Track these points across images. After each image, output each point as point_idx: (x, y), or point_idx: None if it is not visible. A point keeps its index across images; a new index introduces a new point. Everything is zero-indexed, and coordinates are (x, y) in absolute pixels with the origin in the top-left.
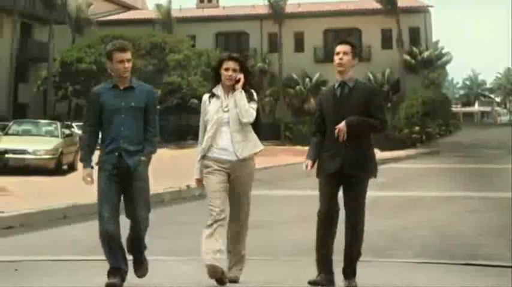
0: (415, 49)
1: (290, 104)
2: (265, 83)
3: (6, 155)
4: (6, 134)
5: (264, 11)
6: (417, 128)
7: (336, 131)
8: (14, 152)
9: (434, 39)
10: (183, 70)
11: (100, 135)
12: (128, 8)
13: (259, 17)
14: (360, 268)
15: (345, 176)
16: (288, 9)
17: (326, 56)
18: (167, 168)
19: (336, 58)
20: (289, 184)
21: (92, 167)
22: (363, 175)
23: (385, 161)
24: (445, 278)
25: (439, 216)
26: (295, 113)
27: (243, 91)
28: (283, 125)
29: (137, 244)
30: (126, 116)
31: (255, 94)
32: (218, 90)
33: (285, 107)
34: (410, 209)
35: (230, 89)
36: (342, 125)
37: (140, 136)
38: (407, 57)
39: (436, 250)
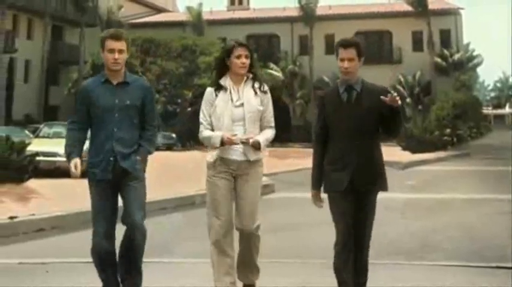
0: (446, 51)
1: None
2: (296, 85)
3: (37, 158)
4: (37, 136)
5: (295, 13)
6: (448, 130)
7: (394, 95)
8: (45, 154)
9: (465, 41)
10: None
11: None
12: (159, 10)
13: (290, 20)
14: (391, 270)
15: (355, 192)
16: (319, 12)
17: None
18: (198, 170)
19: (341, 65)
20: None
21: (80, 157)
22: (374, 189)
23: (415, 163)
24: (475, 281)
25: (470, 218)
26: None
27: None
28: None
29: (132, 256)
30: (119, 116)
31: (264, 85)
32: (226, 82)
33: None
34: (440, 212)
35: (241, 79)
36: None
37: (135, 137)
38: (438, 60)
39: (467, 252)
